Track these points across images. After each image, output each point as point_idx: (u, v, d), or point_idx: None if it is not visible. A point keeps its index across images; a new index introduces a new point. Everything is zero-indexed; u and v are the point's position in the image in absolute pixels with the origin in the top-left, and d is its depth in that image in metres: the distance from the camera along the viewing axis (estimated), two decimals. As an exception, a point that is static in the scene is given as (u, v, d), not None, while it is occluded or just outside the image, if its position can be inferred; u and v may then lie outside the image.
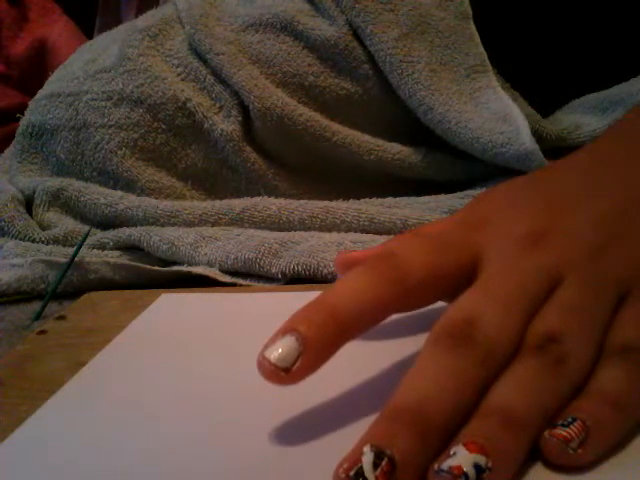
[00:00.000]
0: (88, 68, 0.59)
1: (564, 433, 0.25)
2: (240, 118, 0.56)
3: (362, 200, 0.55)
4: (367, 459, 0.24)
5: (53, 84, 0.61)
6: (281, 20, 0.57)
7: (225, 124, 0.56)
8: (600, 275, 0.29)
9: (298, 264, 0.46)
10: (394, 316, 0.30)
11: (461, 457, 0.24)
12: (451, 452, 0.24)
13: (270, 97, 0.55)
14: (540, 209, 0.32)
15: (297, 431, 0.29)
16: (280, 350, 0.28)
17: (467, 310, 0.28)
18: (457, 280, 0.30)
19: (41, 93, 0.61)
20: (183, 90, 0.56)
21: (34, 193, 0.58)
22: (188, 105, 0.56)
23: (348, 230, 0.51)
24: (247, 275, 0.48)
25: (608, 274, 0.29)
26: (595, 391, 0.27)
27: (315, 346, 0.27)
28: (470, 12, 0.56)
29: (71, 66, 0.61)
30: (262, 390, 0.32)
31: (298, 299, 0.43)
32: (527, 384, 0.26)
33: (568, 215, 0.31)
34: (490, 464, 0.24)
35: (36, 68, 0.92)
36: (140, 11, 0.85)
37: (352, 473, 0.24)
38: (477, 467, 0.24)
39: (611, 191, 0.32)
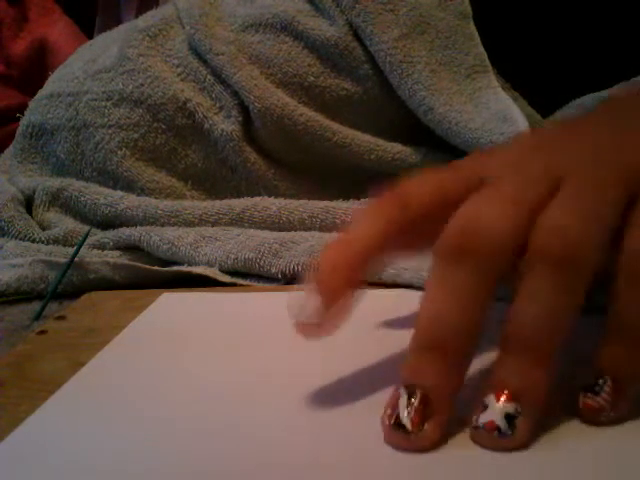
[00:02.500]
0: (88, 68, 0.59)
1: (595, 404, 0.26)
2: (240, 118, 0.56)
3: (362, 200, 0.55)
4: (402, 400, 0.26)
5: (53, 84, 0.61)
6: (281, 20, 0.57)
7: (225, 124, 0.56)
8: (603, 173, 0.28)
9: (298, 264, 0.46)
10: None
11: (492, 411, 0.25)
12: (484, 403, 0.26)
13: (270, 97, 0.55)
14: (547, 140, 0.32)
15: (297, 431, 0.29)
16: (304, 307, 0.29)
17: (462, 219, 0.28)
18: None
19: (41, 93, 0.61)
20: (183, 90, 0.56)
21: (34, 193, 0.58)
22: (188, 105, 0.56)
23: (348, 230, 0.51)
24: (247, 275, 0.48)
25: (612, 172, 0.28)
26: (623, 328, 0.26)
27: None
28: (470, 12, 0.56)
29: (71, 66, 0.61)
30: (262, 390, 0.32)
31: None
32: (540, 299, 0.26)
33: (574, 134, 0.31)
34: (519, 408, 0.25)
35: (36, 68, 0.92)
36: (140, 11, 0.85)
37: (392, 421, 0.26)
38: (508, 416, 0.25)
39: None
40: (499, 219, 0.27)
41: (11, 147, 0.63)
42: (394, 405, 0.26)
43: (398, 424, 0.26)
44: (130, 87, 0.57)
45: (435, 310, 0.27)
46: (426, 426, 0.26)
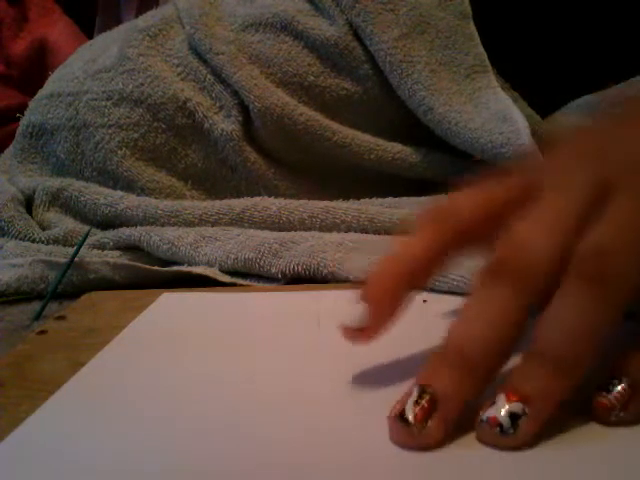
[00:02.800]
0: (88, 68, 0.59)
1: (606, 402, 0.26)
2: (240, 118, 0.56)
3: (362, 200, 0.55)
4: (411, 397, 0.26)
5: (53, 84, 0.61)
6: (281, 20, 0.57)
7: (225, 124, 0.56)
8: None
9: (298, 264, 0.46)
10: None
11: (498, 407, 0.26)
12: (493, 400, 0.26)
13: (270, 97, 0.55)
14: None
15: (297, 431, 0.29)
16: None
17: (507, 244, 0.28)
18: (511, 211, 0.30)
19: (41, 93, 0.61)
20: (183, 90, 0.56)
21: (34, 193, 0.58)
22: (188, 105, 0.56)
23: (348, 230, 0.51)
24: (247, 275, 0.48)
25: None
26: None
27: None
28: (470, 12, 0.56)
29: (71, 66, 0.61)
30: (262, 390, 0.32)
31: (298, 299, 0.43)
32: (569, 318, 0.26)
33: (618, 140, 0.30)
34: (527, 409, 0.25)
35: (36, 68, 0.92)
36: (140, 11, 0.85)
37: (397, 413, 0.26)
38: (513, 415, 0.25)
39: None
40: (538, 247, 0.28)
41: (11, 147, 0.63)
42: (403, 401, 0.27)
43: (401, 416, 0.26)
44: (130, 87, 0.57)
45: (467, 326, 0.28)
46: (430, 423, 0.26)
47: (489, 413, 0.26)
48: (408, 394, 0.27)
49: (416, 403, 0.26)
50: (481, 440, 0.26)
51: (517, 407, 0.25)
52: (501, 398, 0.26)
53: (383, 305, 0.30)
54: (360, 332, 0.31)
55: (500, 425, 0.25)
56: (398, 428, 0.26)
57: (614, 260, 0.26)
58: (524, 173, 0.32)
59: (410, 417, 0.26)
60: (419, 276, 0.31)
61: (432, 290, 0.42)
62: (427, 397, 0.26)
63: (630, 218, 0.27)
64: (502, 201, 0.31)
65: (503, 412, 0.26)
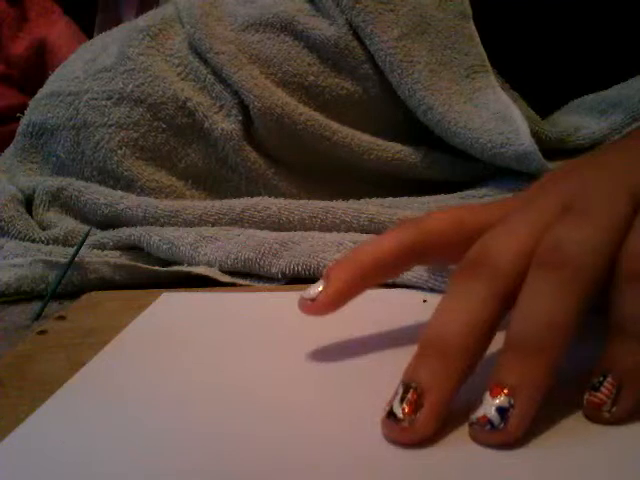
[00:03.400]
0: (88, 67, 0.59)
1: (596, 399, 0.27)
2: (240, 117, 0.56)
3: (362, 200, 0.55)
4: (397, 395, 0.27)
5: (53, 83, 0.61)
6: (281, 20, 0.57)
7: (225, 123, 0.56)
8: (612, 191, 0.30)
9: (298, 264, 0.46)
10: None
11: (485, 406, 0.26)
12: (481, 400, 0.26)
13: (270, 97, 0.55)
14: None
15: (297, 431, 0.29)
16: None
17: (479, 244, 0.30)
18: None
19: (41, 92, 0.61)
20: (183, 89, 0.56)
21: (34, 193, 0.58)
22: (188, 104, 0.56)
23: (348, 230, 0.51)
24: (247, 275, 0.48)
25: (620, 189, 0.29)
26: (621, 324, 0.27)
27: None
28: (470, 12, 0.56)
29: (71, 65, 0.61)
30: (262, 390, 0.32)
31: (298, 299, 0.43)
32: (534, 305, 0.27)
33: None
34: (513, 401, 0.26)
35: (36, 68, 0.93)
36: (140, 11, 0.85)
37: (387, 411, 0.27)
38: (501, 409, 0.26)
39: None
40: (508, 243, 0.29)
41: (11, 146, 0.63)
42: (391, 399, 0.27)
43: (390, 413, 0.27)
44: (130, 86, 0.57)
45: (442, 316, 0.29)
46: (418, 415, 0.26)
47: (478, 413, 0.26)
48: (395, 392, 0.27)
49: (403, 399, 0.27)
50: (476, 441, 0.26)
51: (504, 401, 0.26)
52: (487, 396, 0.26)
53: (339, 285, 0.33)
54: (310, 302, 0.33)
55: (490, 422, 0.26)
56: (389, 425, 0.27)
57: (570, 247, 0.28)
58: (497, 202, 0.35)
59: (399, 413, 0.26)
60: (381, 272, 0.34)
61: (432, 290, 0.42)
62: (412, 391, 0.27)
63: (584, 224, 0.29)
64: (473, 220, 0.33)
65: (491, 408, 0.26)
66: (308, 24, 0.56)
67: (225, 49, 0.56)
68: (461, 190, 0.55)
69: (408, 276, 0.42)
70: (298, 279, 0.46)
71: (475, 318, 0.28)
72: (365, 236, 0.49)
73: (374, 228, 0.50)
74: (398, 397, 0.27)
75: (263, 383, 0.33)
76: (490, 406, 0.26)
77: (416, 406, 0.26)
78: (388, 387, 0.31)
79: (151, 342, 0.39)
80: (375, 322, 0.39)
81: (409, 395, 0.27)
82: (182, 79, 0.57)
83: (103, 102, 0.58)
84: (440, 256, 0.35)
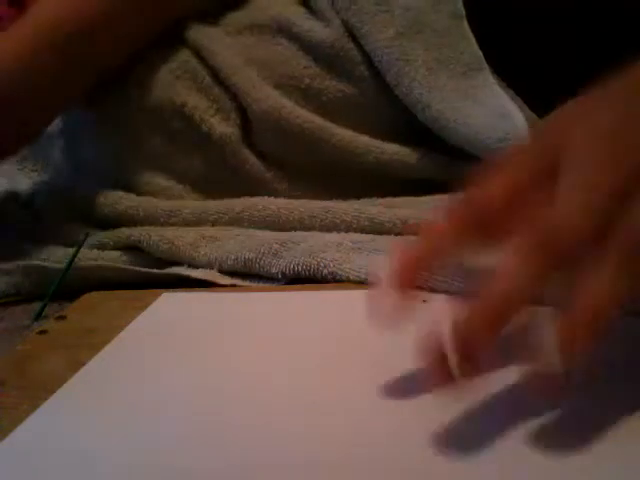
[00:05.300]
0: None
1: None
2: (238, 121, 0.56)
3: (362, 200, 0.55)
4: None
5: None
6: (276, 22, 0.57)
7: (223, 127, 0.56)
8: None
9: (298, 264, 0.46)
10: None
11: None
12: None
13: (267, 99, 0.55)
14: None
15: (297, 431, 0.29)
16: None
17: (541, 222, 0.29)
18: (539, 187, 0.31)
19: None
20: (180, 93, 0.56)
21: (34, 194, 0.58)
22: (185, 108, 0.56)
23: (348, 230, 0.51)
24: (247, 275, 0.48)
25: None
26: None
27: None
28: (463, 13, 0.56)
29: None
30: (262, 389, 0.32)
31: (298, 299, 0.43)
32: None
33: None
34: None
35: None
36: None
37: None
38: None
39: None
40: (572, 223, 0.28)
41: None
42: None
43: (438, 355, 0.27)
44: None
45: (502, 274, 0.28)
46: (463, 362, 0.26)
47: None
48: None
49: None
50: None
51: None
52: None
53: (407, 290, 0.30)
54: (388, 318, 0.30)
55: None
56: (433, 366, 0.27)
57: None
58: (533, 151, 0.33)
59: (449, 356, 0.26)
60: (444, 253, 0.32)
61: (432, 290, 0.42)
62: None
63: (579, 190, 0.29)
64: (527, 184, 0.31)
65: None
66: (303, 26, 0.56)
67: (222, 51, 0.56)
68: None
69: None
70: (298, 279, 0.46)
71: (532, 286, 0.28)
72: (365, 236, 0.49)
73: (374, 228, 0.50)
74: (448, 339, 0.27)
75: (263, 383, 0.33)
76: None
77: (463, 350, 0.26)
78: (387, 386, 0.31)
79: (151, 342, 0.39)
80: (375, 322, 0.39)
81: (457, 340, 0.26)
82: (179, 82, 0.57)
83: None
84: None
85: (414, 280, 0.31)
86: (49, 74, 0.52)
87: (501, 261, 0.29)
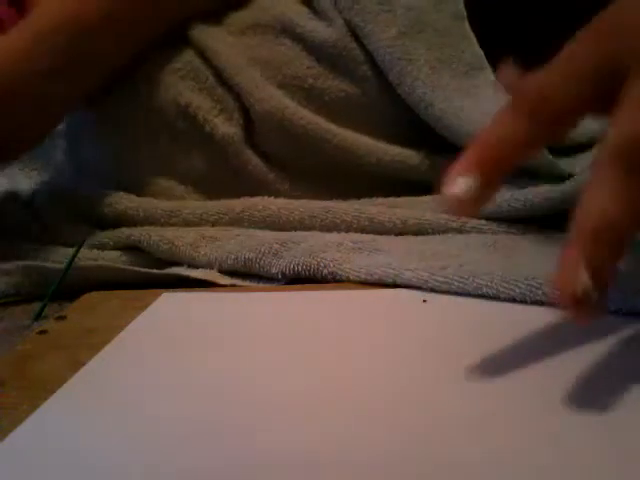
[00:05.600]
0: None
1: None
2: (241, 121, 0.56)
3: (362, 200, 0.55)
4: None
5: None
6: (279, 22, 0.57)
7: (226, 127, 0.56)
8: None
9: (298, 264, 0.46)
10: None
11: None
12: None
13: (270, 100, 0.55)
14: None
15: (297, 430, 0.29)
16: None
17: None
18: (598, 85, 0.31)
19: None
20: (184, 93, 0.56)
21: (34, 194, 0.58)
22: (189, 108, 0.56)
23: (348, 230, 0.51)
24: (247, 275, 0.48)
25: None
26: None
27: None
28: (464, 13, 0.56)
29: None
30: (262, 389, 0.32)
31: (298, 299, 0.43)
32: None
33: None
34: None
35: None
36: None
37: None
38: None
39: None
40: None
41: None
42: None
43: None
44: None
45: (599, 204, 0.28)
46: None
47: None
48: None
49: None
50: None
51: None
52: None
53: (488, 174, 0.30)
54: (466, 202, 0.30)
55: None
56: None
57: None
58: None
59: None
60: (515, 154, 0.32)
61: (432, 290, 0.42)
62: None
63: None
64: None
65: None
66: (306, 26, 0.56)
67: (225, 51, 0.56)
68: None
69: (408, 276, 0.42)
70: (298, 279, 0.46)
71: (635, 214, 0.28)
72: (365, 236, 0.49)
73: (374, 228, 0.50)
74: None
75: (263, 383, 0.33)
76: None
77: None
78: (386, 386, 0.31)
79: (151, 342, 0.39)
80: (375, 322, 0.39)
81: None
82: (183, 82, 0.57)
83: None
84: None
85: (495, 161, 0.31)
86: (51, 76, 0.52)
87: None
